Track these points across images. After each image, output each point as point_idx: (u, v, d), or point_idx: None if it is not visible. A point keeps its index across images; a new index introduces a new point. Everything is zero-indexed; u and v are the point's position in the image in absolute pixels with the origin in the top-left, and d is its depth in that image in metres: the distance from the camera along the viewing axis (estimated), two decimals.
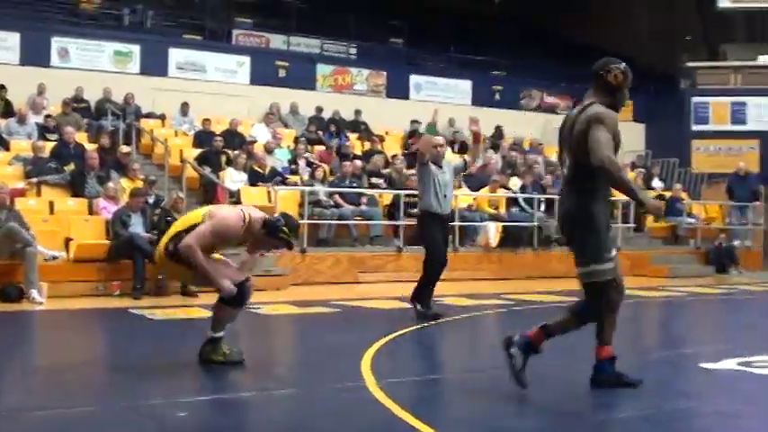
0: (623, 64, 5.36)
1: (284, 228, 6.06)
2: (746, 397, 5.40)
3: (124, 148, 14.70)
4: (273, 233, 6.07)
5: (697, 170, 22.53)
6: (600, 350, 5.30)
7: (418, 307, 9.04)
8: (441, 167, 9.23)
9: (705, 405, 5.32)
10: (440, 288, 9.42)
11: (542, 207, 16.37)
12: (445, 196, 9.18)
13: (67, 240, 11.58)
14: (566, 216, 5.27)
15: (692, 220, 18.81)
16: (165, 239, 6.11)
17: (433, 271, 9.15)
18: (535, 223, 15.93)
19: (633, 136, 24.78)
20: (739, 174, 19.55)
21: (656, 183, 21.05)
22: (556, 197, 16.59)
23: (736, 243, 18.52)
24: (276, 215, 6.34)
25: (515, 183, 17.36)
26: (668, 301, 12.14)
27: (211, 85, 19.75)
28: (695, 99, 23.57)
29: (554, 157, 20.17)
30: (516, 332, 5.32)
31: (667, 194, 19.13)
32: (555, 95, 24.93)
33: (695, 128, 23.36)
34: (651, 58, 27.70)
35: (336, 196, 14.78)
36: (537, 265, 15.68)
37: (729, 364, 6.33)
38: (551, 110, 24.52)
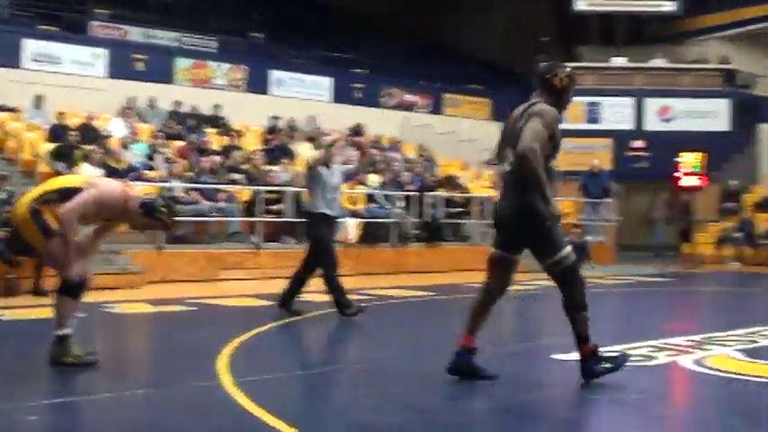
0: (568, 68, 5.61)
1: (162, 207, 5.96)
2: (596, 386, 5.56)
3: None
4: (151, 213, 5.97)
5: (556, 168, 23.16)
6: (465, 339, 5.48)
7: (350, 311, 9.02)
8: (330, 169, 9.21)
9: (558, 395, 5.47)
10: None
11: (401, 204, 16.52)
12: (334, 198, 9.19)
13: None
14: (513, 213, 5.40)
15: None
16: (28, 198, 5.87)
17: (311, 270, 9.18)
18: (394, 220, 16.07)
19: (491, 134, 25.35)
20: (593, 171, 20.19)
21: None
22: (414, 194, 16.93)
23: (589, 238, 19.12)
24: (153, 195, 6.20)
25: (374, 180, 17.47)
26: (523, 295, 12.42)
27: (67, 78, 19.07)
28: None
29: (412, 155, 20.41)
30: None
31: None
32: (414, 94, 25.20)
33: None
34: (509, 58, 28.40)
35: (194, 192, 14.53)
36: (395, 261, 15.82)
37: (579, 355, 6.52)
38: (410, 108, 24.79)
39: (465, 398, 5.28)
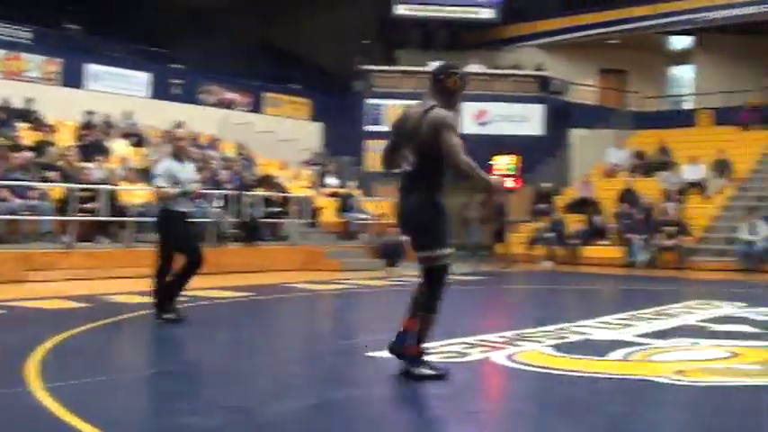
0: (461, 69, 5.69)
1: None
2: (411, 383, 5.58)
3: None
4: None
5: (370, 168, 23.41)
6: (409, 322, 5.62)
7: (165, 316, 8.54)
8: (182, 164, 8.84)
9: (373, 392, 5.45)
10: (111, 286, 9.02)
11: (219, 203, 16.25)
12: (186, 193, 8.81)
13: None
14: (413, 208, 5.55)
15: (364, 216, 19.47)
16: None
17: (187, 271, 8.70)
18: (211, 219, 15.75)
19: (310, 134, 25.38)
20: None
21: (331, 180, 21.61)
22: (232, 193, 16.67)
23: (402, 238, 19.34)
24: None
25: None
26: (340, 294, 12.46)
27: None
28: (369, 101, 24.46)
29: (231, 153, 20.13)
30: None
31: (342, 191, 19.68)
32: (234, 92, 24.90)
33: (369, 128, 24.24)
34: (330, 60, 28.49)
35: (4, 190, 13.74)
36: (213, 260, 15.40)
37: None
38: (230, 106, 24.47)
39: (281, 397, 5.20)
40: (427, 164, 5.50)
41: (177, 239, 8.68)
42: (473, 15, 28.00)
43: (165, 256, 8.69)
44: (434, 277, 5.60)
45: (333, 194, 20.28)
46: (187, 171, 8.84)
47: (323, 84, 27.01)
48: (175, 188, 8.56)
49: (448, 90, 5.63)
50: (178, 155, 8.90)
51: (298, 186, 19.83)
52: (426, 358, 5.62)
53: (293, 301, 11.70)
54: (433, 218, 5.55)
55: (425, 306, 5.60)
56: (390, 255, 18.17)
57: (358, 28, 28.85)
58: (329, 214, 19.23)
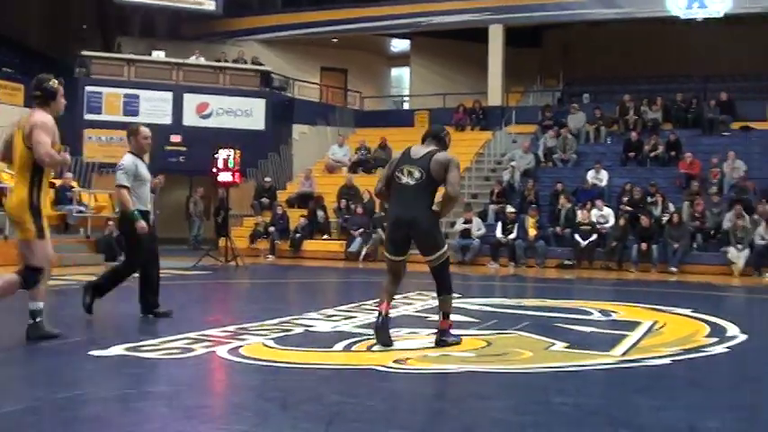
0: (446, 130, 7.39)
1: None
2: (132, 380, 5.50)
3: None
4: None
5: (89, 159, 22.56)
6: (444, 323, 7.05)
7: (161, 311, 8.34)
8: (143, 162, 8.43)
9: (94, 392, 5.31)
10: None
11: None
12: (147, 192, 8.42)
13: None
14: (419, 215, 6.82)
15: (83, 209, 18.77)
16: None
17: (130, 270, 8.45)
18: None
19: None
20: None
21: None
22: None
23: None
24: None
25: None
26: (59, 291, 11.93)
27: None
28: (89, 88, 23.55)
29: None
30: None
31: (58, 183, 18.84)
32: None
33: (88, 117, 23.34)
34: (45, 44, 27.15)
35: None
36: None
37: (117, 350, 6.42)
38: None
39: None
40: (433, 186, 6.92)
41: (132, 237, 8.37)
42: (196, 6, 27.67)
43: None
44: (444, 269, 6.94)
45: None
46: (146, 169, 8.49)
47: (39, 69, 25.66)
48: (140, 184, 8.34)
49: (444, 143, 7.12)
50: (141, 153, 8.51)
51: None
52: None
53: (5, 299, 11.08)
54: (433, 228, 6.95)
55: (446, 289, 6.97)
56: (111, 249, 17.65)
57: (77, 12, 27.71)
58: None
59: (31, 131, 6.54)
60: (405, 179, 6.87)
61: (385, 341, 6.89)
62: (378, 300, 7.14)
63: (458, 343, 7.02)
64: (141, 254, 8.48)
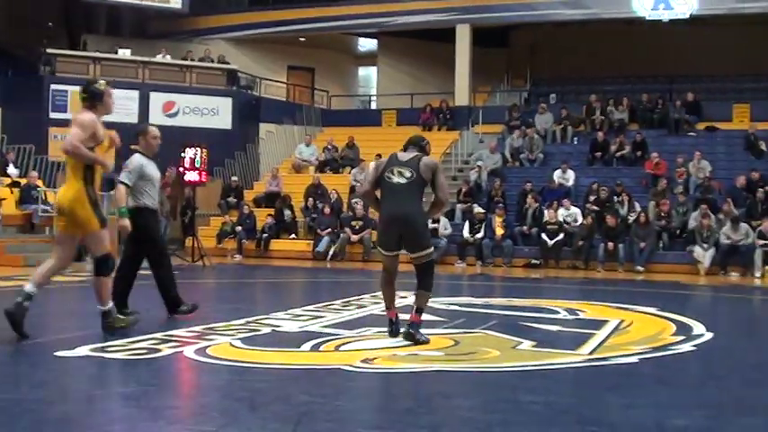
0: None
1: None
2: (99, 381, 5.45)
3: None
4: None
5: (54, 158, 22.32)
6: (391, 313, 7.39)
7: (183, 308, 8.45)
8: (152, 162, 8.43)
9: (60, 393, 5.26)
10: None
11: None
12: (156, 192, 8.46)
13: None
14: (412, 213, 7.16)
15: (48, 209, 18.55)
16: None
17: (168, 270, 8.53)
18: None
19: None
20: None
21: (12, 170, 20.40)
22: None
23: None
24: None
25: None
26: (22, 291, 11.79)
27: None
28: (54, 86, 23.32)
29: None
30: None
31: (23, 182, 18.65)
32: None
33: (53, 115, 23.10)
34: (10, 42, 26.79)
35: None
36: None
37: (83, 350, 6.35)
38: None
39: None
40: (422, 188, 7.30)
41: (151, 237, 8.51)
42: (162, 4, 27.47)
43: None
44: (429, 268, 7.24)
45: (13, 185, 19.15)
46: (155, 169, 8.53)
47: (3, 67, 25.37)
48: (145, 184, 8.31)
49: (425, 150, 7.47)
50: (151, 154, 8.51)
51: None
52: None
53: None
54: (423, 227, 7.35)
55: (426, 286, 7.25)
56: (78, 249, 17.45)
57: (42, 10, 27.40)
58: (9, 206, 18.14)
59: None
60: (396, 179, 7.19)
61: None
62: (372, 296, 7.15)
63: (426, 342, 7.04)
64: (159, 242, 8.73)
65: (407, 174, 7.17)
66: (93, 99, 7.09)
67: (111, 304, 7.19)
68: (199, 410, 5.03)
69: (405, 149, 7.46)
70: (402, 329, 7.24)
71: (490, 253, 19.19)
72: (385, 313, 7.59)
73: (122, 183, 8.27)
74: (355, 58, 33.45)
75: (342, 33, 29.94)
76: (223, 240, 20.99)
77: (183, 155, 17.75)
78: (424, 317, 7.41)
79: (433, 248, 7.37)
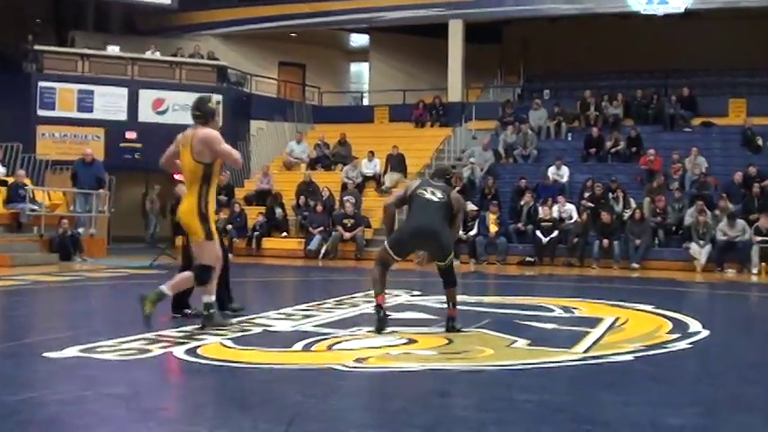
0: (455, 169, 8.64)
1: None
2: (88, 382, 5.37)
3: None
4: None
5: (42, 156, 22.17)
6: (453, 311, 7.77)
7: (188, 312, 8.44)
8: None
9: (49, 394, 5.15)
10: None
11: None
12: None
13: None
14: (438, 228, 7.54)
15: (36, 207, 18.42)
16: None
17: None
18: None
19: None
20: (85, 161, 19.43)
21: None
22: None
23: (80, 230, 18.58)
24: None
25: None
26: (12, 291, 11.70)
27: None
28: (42, 84, 23.18)
29: None
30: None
31: (10, 180, 18.51)
32: None
33: (41, 113, 22.97)
34: None
35: None
36: None
37: (72, 351, 6.27)
38: None
39: None
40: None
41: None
42: (151, 0, 27.39)
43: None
44: (451, 267, 7.70)
45: (0, 183, 19.00)
46: None
47: None
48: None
49: (451, 183, 8.20)
50: None
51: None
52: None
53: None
54: (448, 236, 7.69)
55: (453, 282, 7.72)
56: (66, 248, 17.40)
57: (30, 6, 27.25)
58: None
59: (203, 147, 7.33)
60: (429, 196, 7.66)
61: (382, 329, 7.46)
62: (365, 294, 7.09)
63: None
64: None
65: (440, 195, 7.65)
66: (207, 116, 7.51)
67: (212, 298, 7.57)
68: (190, 411, 4.95)
69: (432, 178, 8.04)
70: (445, 325, 7.71)
71: (484, 250, 19.13)
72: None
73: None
74: (347, 54, 33.35)
75: (333, 29, 29.84)
76: None
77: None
78: (417, 315, 7.37)
79: (452, 254, 7.77)
